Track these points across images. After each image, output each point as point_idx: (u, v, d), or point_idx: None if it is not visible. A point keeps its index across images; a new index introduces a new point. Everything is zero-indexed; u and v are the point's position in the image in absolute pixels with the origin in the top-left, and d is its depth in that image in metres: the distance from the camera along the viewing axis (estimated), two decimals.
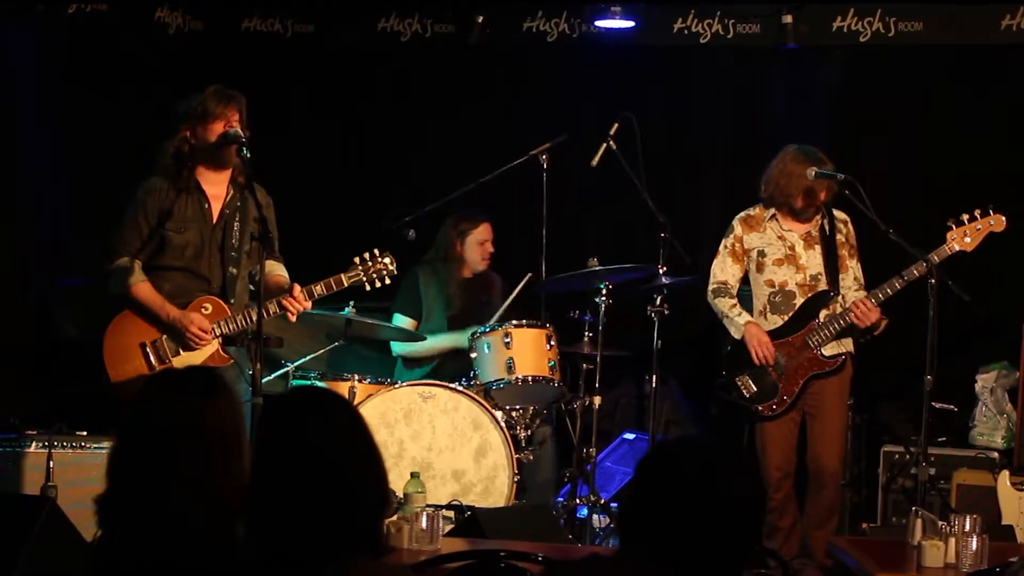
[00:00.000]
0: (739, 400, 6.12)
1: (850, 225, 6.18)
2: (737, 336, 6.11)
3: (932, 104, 7.26)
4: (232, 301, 5.28)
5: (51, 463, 5.59)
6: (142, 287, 5.23)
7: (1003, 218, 5.92)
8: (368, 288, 5.41)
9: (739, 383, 6.09)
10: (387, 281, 5.46)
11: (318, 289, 5.28)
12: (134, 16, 7.53)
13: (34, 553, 4.28)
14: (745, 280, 6.23)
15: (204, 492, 2.68)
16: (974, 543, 4.13)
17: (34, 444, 5.70)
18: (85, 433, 5.77)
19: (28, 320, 7.29)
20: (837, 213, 6.16)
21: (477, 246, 6.85)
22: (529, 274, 6.65)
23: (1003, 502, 5.98)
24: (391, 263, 5.43)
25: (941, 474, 6.54)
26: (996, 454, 6.67)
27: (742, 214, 6.22)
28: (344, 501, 2.51)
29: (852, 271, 6.14)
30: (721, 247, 6.23)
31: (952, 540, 4.15)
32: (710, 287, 6.23)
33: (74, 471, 5.61)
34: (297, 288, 5.22)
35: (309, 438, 2.55)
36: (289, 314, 5.22)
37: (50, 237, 7.40)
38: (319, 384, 6.06)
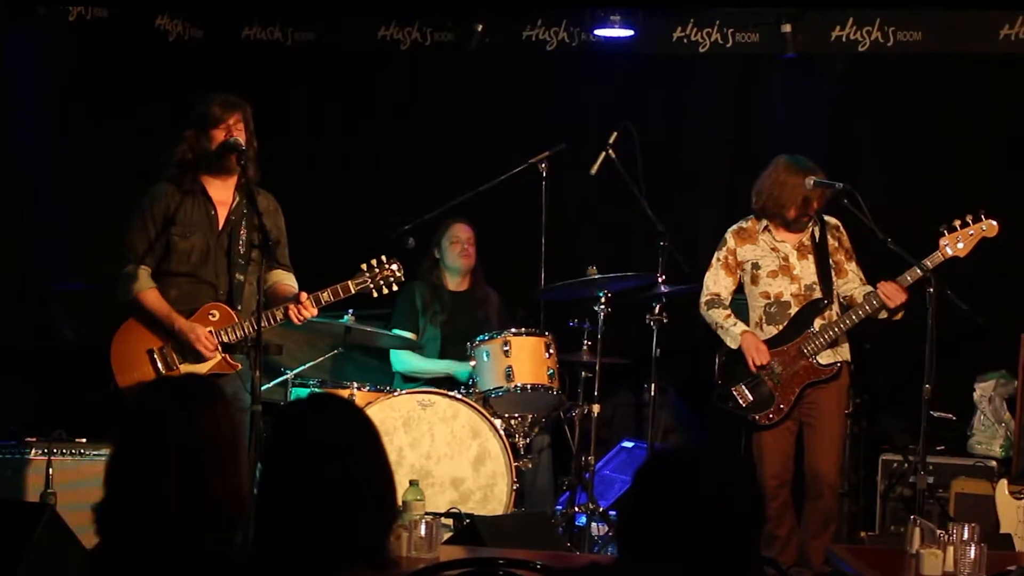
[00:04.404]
0: (736, 410, 6.11)
1: (842, 229, 6.17)
2: (733, 346, 6.11)
3: (931, 113, 7.25)
4: (239, 308, 5.27)
5: (51, 470, 5.61)
6: (149, 294, 5.23)
7: (995, 223, 5.93)
8: (375, 295, 5.39)
9: (735, 393, 6.09)
10: (394, 288, 5.44)
11: (325, 296, 5.27)
12: (134, 23, 7.54)
13: (34, 560, 4.29)
14: (739, 290, 6.23)
15: (201, 499, 2.68)
16: (972, 552, 4.13)
17: (34, 451, 5.71)
18: (85, 440, 5.79)
19: (27, 324, 7.28)
20: (828, 219, 6.16)
21: (450, 245, 6.83)
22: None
23: (1001, 511, 5.98)
24: (399, 270, 5.41)
25: (939, 483, 6.53)
26: (994, 463, 6.66)
27: (735, 226, 6.22)
28: (352, 512, 2.52)
29: (852, 273, 6.13)
30: (714, 259, 6.23)
31: (950, 549, 4.15)
32: (703, 299, 6.22)
33: (74, 478, 5.62)
34: (304, 295, 5.22)
35: (319, 446, 2.56)
36: (294, 319, 5.22)
37: (49, 240, 7.39)
38: (318, 392, 6.06)
